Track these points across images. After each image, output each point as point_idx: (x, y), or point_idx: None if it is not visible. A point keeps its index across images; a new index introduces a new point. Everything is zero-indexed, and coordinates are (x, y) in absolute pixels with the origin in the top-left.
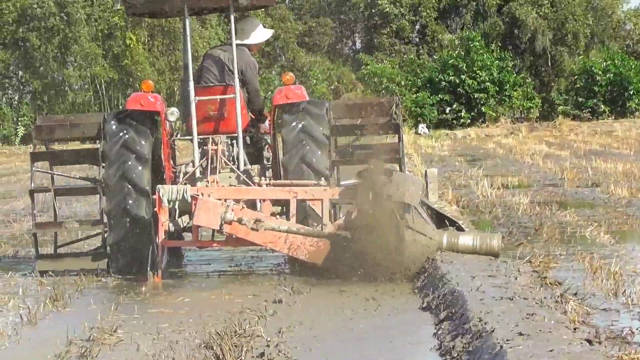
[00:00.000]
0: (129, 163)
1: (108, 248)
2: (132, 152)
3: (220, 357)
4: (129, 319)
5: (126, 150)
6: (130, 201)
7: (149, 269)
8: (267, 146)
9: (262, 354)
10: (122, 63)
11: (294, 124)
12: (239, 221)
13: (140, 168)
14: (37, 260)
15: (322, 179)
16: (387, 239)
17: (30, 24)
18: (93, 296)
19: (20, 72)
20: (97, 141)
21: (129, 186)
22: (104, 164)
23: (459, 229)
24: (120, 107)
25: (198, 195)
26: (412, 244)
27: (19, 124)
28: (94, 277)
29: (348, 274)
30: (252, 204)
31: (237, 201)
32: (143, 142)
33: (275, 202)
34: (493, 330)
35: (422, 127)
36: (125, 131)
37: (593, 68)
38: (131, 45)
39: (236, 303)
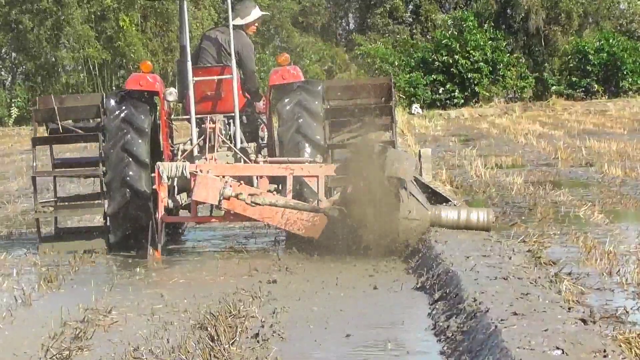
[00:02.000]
0: (129, 136)
1: (108, 220)
2: (131, 126)
3: (215, 337)
4: (124, 300)
5: (126, 124)
6: (130, 173)
7: (149, 244)
8: (262, 125)
9: (257, 335)
10: (115, 45)
11: (289, 99)
12: (237, 197)
13: (139, 141)
14: (40, 243)
15: (318, 155)
16: (381, 214)
17: (23, 6)
18: (87, 277)
19: (14, 54)
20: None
21: (129, 158)
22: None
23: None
24: (114, 88)
25: (197, 171)
26: (406, 219)
27: (13, 105)
28: (88, 258)
29: (343, 249)
30: (248, 181)
31: (235, 178)
32: (142, 117)
33: (271, 180)
34: (487, 310)
35: (415, 107)
36: (124, 107)
37: (586, 47)
38: (124, 27)
39: (230, 284)
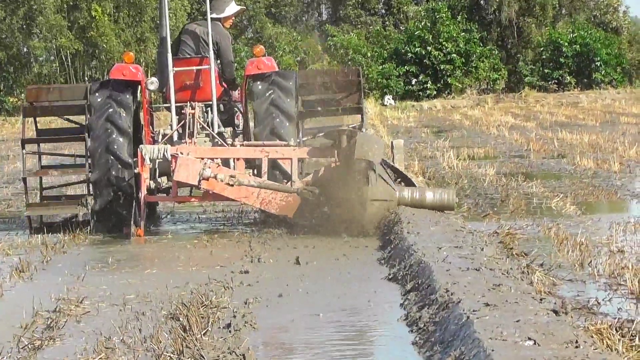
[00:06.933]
0: (113, 136)
1: (93, 214)
2: (114, 126)
3: (187, 328)
4: (96, 290)
5: (110, 124)
6: (114, 173)
7: (132, 223)
8: (237, 114)
9: (229, 325)
10: (87, 35)
11: (265, 96)
12: (216, 177)
13: (122, 140)
14: (26, 207)
15: (292, 140)
16: (351, 195)
17: None
18: (59, 267)
19: None
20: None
21: (113, 159)
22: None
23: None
24: (87, 79)
25: (178, 154)
26: (374, 199)
27: None
28: (60, 248)
29: (315, 228)
30: (226, 164)
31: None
32: (125, 116)
33: (247, 166)
34: (459, 301)
35: (388, 99)
36: (108, 104)
37: (559, 39)
38: (97, 17)
39: (203, 274)
